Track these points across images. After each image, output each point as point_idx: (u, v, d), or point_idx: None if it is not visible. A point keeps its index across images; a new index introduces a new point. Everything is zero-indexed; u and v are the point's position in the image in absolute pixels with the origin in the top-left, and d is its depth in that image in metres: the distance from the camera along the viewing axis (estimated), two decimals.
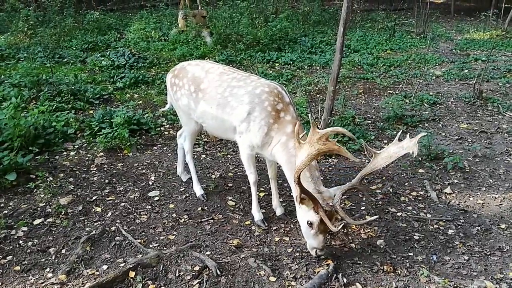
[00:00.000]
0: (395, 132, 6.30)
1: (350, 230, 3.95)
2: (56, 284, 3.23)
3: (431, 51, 12.06)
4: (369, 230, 3.99)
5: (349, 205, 4.43)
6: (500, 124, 6.78)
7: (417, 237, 3.91)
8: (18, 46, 11.08)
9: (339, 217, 3.28)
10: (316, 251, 3.45)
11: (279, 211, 4.23)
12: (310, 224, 3.32)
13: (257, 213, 4.11)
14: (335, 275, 3.31)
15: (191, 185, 4.64)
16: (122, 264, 3.43)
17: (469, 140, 6.17)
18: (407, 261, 3.59)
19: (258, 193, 4.32)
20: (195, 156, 5.50)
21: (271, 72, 9.46)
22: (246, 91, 3.79)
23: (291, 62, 10.49)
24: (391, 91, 8.41)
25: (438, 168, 5.22)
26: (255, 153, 3.91)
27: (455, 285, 3.30)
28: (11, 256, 3.53)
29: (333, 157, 5.50)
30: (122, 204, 4.37)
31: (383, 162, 3.35)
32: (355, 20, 16.18)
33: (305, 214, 3.34)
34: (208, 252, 3.61)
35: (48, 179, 4.73)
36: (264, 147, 3.77)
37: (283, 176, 4.98)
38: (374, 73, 9.78)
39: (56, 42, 11.45)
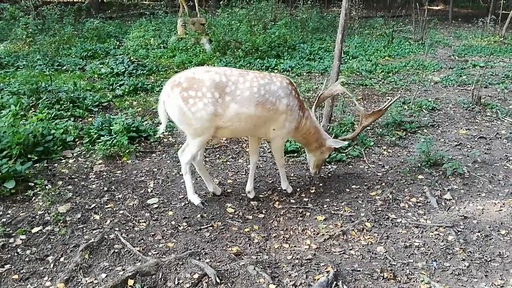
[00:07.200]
0: (394, 138, 6.32)
1: (349, 236, 3.94)
2: None
3: (429, 57, 12.13)
4: (369, 236, 3.98)
5: (348, 211, 4.42)
6: (499, 129, 6.79)
7: (417, 244, 3.90)
8: (17, 54, 11.11)
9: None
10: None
11: (251, 195, 4.66)
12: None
13: (287, 184, 4.79)
14: (335, 282, 3.30)
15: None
16: (121, 272, 3.41)
17: (468, 146, 6.18)
18: (407, 267, 3.58)
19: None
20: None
21: None
22: (277, 86, 4.18)
23: (290, 69, 10.53)
24: (389, 97, 8.43)
25: (437, 174, 5.22)
26: None
27: None
28: (9, 265, 3.51)
29: (333, 164, 5.50)
30: (121, 211, 4.35)
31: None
32: (353, 27, 16.29)
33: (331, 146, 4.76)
34: (207, 260, 3.59)
35: (46, 187, 4.71)
36: (297, 128, 4.45)
37: (277, 177, 5.01)
38: (372, 79, 9.82)
39: (55, 50, 11.48)
